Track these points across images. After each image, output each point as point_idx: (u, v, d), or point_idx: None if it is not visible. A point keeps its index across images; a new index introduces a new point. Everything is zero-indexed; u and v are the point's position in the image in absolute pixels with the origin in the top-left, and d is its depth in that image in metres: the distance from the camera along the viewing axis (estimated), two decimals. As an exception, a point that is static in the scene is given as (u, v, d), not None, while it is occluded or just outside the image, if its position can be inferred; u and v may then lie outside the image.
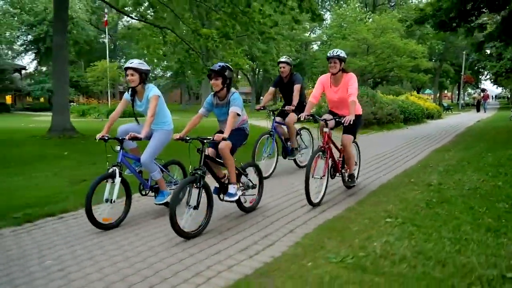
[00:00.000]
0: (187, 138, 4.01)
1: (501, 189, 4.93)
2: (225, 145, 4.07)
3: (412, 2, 46.62)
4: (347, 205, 4.99)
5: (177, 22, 14.67)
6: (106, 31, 32.28)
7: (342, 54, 5.09)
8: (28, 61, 49.98)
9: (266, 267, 3.17)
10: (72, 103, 40.72)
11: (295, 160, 7.14)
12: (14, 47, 45.82)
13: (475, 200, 4.51)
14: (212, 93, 4.41)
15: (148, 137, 4.47)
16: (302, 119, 5.07)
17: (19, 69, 41.32)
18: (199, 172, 3.89)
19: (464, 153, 8.32)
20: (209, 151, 4.26)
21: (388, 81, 44.62)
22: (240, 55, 16.19)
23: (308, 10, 11.17)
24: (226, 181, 4.38)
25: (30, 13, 41.37)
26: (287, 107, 6.57)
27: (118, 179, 4.06)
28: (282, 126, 6.84)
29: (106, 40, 33.79)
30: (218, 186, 4.37)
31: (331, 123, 5.06)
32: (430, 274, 2.76)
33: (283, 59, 6.81)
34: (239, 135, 4.38)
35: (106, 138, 4.20)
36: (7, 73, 36.63)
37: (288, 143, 6.86)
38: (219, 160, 4.27)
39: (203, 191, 3.94)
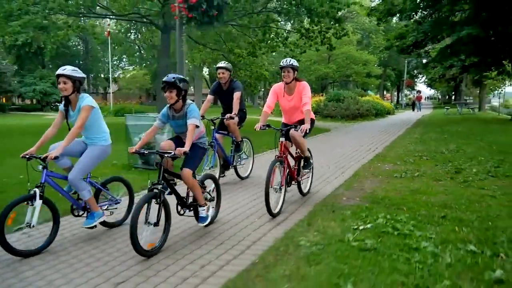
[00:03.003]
0: (145, 151, 3.95)
1: (447, 138, 12.39)
2: (186, 174, 4.06)
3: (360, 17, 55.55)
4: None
5: (222, 45, 21.13)
6: (109, 40, 37.47)
7: (295, 63, 5.17)
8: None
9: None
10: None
11: (236, 171, 6.98)
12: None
13: (437, 141, 11.85)
14: (168, 105, 4.27)
15: (80, 153, 4.17)
16: (257, 129, 5.02)
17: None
18: (159, 187, 3.78)
19: (424, 129, 15.91)
20: (167, 161, 4.12)
21: (336, 83, 53.39)
22: (264, 68, 22.94)
23: (326, 43, 18.24)
24: (185, 195, 4.33)
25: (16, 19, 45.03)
26: (227, 115, 6.30)
27: (38, 202, 3.68)
28: (224, 136, 6.75)
29: (109, 48, 38.97)
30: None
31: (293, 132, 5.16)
32: (433, 151, 9.87)
33: (222, 64, 6.57)
34: (196, 155, 4.28)
35: (28, 156, 3.84)
36: (4, 76, 40.36)
37: (230, 153, 6.78)
38: (177, 173, 4.19)
39: (162, 207, 3.81)
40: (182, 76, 4.14)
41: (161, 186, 3.81)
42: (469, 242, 3.67)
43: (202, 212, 4.25)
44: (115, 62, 68.24)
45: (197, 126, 4.11)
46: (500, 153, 8.97)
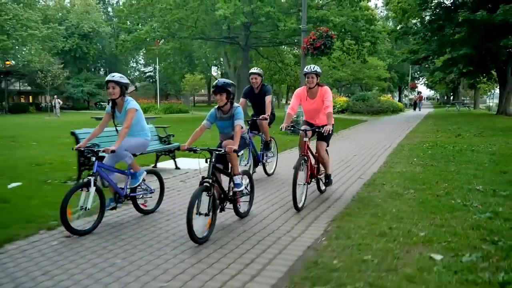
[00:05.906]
0: (197, 148, 4.32)
1: (450, 123, 19.75)
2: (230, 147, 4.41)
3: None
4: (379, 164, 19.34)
5: (277, 57, 28.36)
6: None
7: (319, 70, 5.58)
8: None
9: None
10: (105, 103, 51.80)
11: (264, 168, 7.51)
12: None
13: (445, 125, 19.21)
14: (216, 106, 4.70)
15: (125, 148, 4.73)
16: (283, 129, 5.50)
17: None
18: (210, 181, 4.17)
19: (434, 119, 23.35)
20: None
21: (344, 86, 60.99)
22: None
23: (361, 58, 25.51)
24: (230, 194, 4.68)
25: (62, 26, 51.75)
26: (261, 116, 6.91)
27: (92, 188, 4.30)
28: (255, 135, 7.34)
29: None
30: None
31: (310, 133, 5.66)
32: (444, 128, 17.19)
33: (255, 70, 7.12)
34: (240, 143, 4.66)
35: (82, 149, 4.58)
36: (58, 79, 47.20)
37: (260, 152, 7.28)
38: (226, 171, 4.71)
39: (212, 199, 4.19)
40: (231, 81, 4.55)
41: (211, 180, 4.21)
42: (464, 147, 10.99)
43: (237, 179, 4.67)
44: (133, 65, 75.20)
45: (242, 127, 4.56)
46: (482, 129, 16.25)
